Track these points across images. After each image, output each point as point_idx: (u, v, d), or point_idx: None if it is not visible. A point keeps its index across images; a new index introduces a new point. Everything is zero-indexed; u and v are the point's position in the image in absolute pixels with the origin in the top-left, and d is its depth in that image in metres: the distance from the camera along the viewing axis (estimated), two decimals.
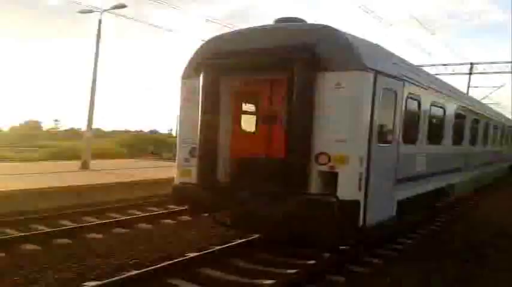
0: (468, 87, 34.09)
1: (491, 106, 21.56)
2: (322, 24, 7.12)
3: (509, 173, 23.29)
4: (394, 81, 7.27)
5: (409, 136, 8.25)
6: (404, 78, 7.75)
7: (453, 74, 34.14)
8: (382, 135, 7.02)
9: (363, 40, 7.28)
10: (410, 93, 8.02)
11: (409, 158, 8.36)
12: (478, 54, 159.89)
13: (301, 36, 6.90)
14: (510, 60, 33.55)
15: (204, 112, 7.29)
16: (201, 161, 7.35)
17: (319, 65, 6.48)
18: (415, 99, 8.44)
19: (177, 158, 8.02)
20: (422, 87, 8.73)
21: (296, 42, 6.75)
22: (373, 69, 6.60)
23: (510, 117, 25.74)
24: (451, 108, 11.10)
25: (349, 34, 6.98)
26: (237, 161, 7.66)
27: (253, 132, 8.17)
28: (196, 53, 7.87)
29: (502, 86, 36.69)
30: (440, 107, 10.15)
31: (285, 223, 6.80)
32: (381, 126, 6.99)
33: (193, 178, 7.47)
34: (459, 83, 61.31)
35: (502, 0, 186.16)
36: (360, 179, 6.40)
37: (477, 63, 34.02)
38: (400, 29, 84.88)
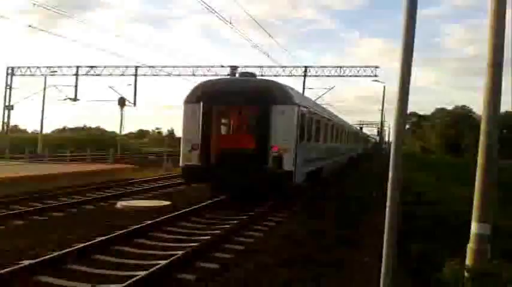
0: (303, 88, 36.96)
1: (325, 106, 27.52)
2: (272, 80, 14.65)
3: (351, 163, 32.48)
4: (303, 109, 13.19)
5: (308, 137, 14.13)
6: (308, 107, 14.25)
7: (290, 76, 37.26)
8: (300, 137, 12.72)
9: (292, 89, 13.53)
10: (310, 114, 14.31)
11: (309, 149, 14.26)
12: (310, 59, 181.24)
13: (262, 85, 13.34)
14: (338, 65, 38.19)
15: (203, 124, 12.42)
16: (201, 152, 12.30)
17: (273, 101, 12.11)
18: (311, 117, 14.58)
19: (181, 150, 12.81)
20: (314, 111, 15.38)
21: (260, 89, 12.63)
22: (297, 104, 12.50)
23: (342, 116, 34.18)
24: (323, 119, 17.51)
25: (287, 85, 13.28)
26: (221, 151, 12.90)
27: (230, 135, 14.41)
28: (197, 89, 12.97)
29: (332, 87, 41.27)
30: (318, 120, 16.36)
31: (250, 186, 12.19)
32: (300, 132, 12.69)
33: (193, 162, 12.40)
34: (295, 84, 72.99)
35: (330, 11, 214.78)
36: (293, 160, 12.01)
37: (310, 67, 37.31)
38: (241, 28, 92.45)
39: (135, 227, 9.02)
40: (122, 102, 39.32)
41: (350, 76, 36.29)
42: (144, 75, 40.39)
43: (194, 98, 12.64)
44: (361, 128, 75.69)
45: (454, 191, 17.63)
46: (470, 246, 6.72)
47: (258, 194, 12.86)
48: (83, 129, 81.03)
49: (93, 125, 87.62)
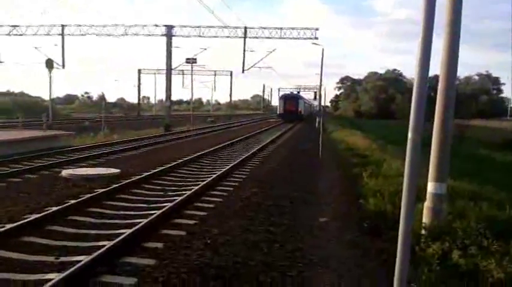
0: (244, 50, 36.87)
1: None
2: (298, 93, 72.28)
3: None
4: (305, 101, 66.56)
5: (305, 107, 64.61)
6: (304, 100, 66.72)
7: (229, 37, 36.28)
8: (304, 107, 64.19)
9: (303, 97, 69.64)
10: (304, 102, 64.34)
11: (305, 110, 66.89)
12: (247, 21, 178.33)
13: (295, 95, 68.63)
14: (279, 26, 37.04)
15: (283, 105, 60.59)
16: (283, 111, 59.16)
17: (298, 98, 64.68)
18: (304, 102, 65.54)
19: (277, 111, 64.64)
20: (304, 101, 66.89)
21: (295, 95, 66.82)
22: (303, 100, 66.44)
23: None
24: (306, 103, 68.32)
25: (301, 95, 71.05)
26: (285, 110, 58.86)
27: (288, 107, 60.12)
28: (281, 95, 67.22)
29: (273, 50, 41.01)
30: (305, 103, 66.10)
31: (293, 118, 55.52)
32: (305, 107, 64.59)
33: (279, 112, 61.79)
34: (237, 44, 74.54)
35: None
36: (303, 112, 63.03)
37: (251, 28, 36.40)
38: None
39: (88, 195, 8.64)
40: (49, 64, 36.76)
41: (291, 38, 35.93)
42: (71, 35, 38.16)
43: (279, 98, 65.40)
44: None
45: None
46: (427, 205, 7.07)
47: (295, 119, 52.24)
48: (7, 94, 75.83)
49: (17, 90, 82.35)
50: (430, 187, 7.06)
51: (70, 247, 5.99)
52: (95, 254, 5.39)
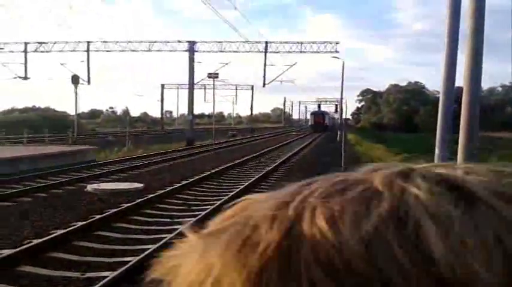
0: (265, 64, 37.18)
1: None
2: (325, 110, 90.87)
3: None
4: (330, 116, 78.44)
5: (329, 120, 78.99)
6: (330, 116, 79.87)
7: (250, 51, 36.48)
8: (329, 121, 76.97)
9: (328, 113, 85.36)
10: (330, 117, 79.55)
11: (332, 123, 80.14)
12: (267, 35, 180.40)
13: (322, 111, 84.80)
14: (299, 40, 38.65)
15: (313, 119, 77.07)
16: (313, 123, 74.68)
17: (325, 114, 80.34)
18: (329, 117, 79.24)
19: (309, 124, 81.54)
20: (330, 116, 79.05)
21: (322, 112, 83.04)
22: (329, 115, 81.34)
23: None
24: (331, 117, 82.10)
25: (328, 111, 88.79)
26: (315, 122, 73.42)
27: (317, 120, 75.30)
28: (312, 112, 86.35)
29: (294, 64, 40.74)
30: (330, 117, 78.91)
31: (321, 130, 66.44)
32: (332, 121, 78.40)
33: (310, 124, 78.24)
34: (257, 59, 79.04)
35: None
36: (329, 125, 75.81)
37: (271, 42, 36.64)
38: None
39: (114, 210, 8.73)
40: (75, 80, 37.69)
41: (311, 52, 35.96)
42: (97, 51, 38.98)
43: (311, 113, 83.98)
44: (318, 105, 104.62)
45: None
46: None
47: (323, 131, 60.34)
48: (33, 109, 77.65)
49: (43, 105, 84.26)
50: None
51: (95, 263, 6.04)
52: (120, 270, 5.43)
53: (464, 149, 6.93)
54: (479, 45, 6.91)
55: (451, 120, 6.80)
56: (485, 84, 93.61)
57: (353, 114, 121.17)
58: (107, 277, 5.26)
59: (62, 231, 7.15)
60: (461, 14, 6.98)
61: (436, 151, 3.02)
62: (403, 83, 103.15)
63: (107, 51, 38.90)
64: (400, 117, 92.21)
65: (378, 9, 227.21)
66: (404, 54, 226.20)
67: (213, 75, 28.85)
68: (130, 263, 5.65)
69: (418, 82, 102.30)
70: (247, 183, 12.67)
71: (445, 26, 6.71)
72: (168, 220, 8.58)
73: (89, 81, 40.16)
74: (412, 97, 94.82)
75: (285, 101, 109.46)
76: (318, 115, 76.59)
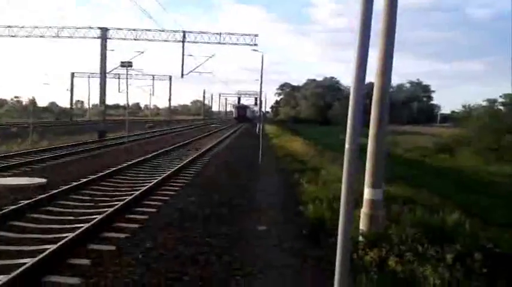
0: (183, 55, 36.45)
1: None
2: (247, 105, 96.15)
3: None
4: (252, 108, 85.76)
5: (249, 112, 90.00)
6: (251, 109, 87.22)
7: (167, 41, 35.39)
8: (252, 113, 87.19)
9: (249, 106, 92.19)
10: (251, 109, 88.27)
11: (253, 114, 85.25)
12: (187, 25, 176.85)
13: (245, 106, 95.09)
14: (218, 31, 36.62)
15: (236, 111, 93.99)
16: (236, 115, 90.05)
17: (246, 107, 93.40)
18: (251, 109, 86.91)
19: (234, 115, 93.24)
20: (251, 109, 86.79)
21: (244, 106, 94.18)
22: (250, 108, 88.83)
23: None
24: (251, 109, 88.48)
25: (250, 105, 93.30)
26: (239, 115, 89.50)
27: (239, 113, 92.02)
28: (235, 106, 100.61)
29: (213, 55, 41.96)
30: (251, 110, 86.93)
31: (244, 121, 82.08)
32: (253, 113, 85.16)
33: (234, 116, 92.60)
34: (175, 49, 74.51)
35: None
36: (251, 116, 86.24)
37: (189, 32, 35.69)
38: None
39: (11, 208, 7.94)
40: None
41: (230, 44, 35.68)
42: (1, 36, 35.99)
43: (234, 107, 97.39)
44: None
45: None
46: (364, 211, 7.07)
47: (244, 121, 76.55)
48: None
49: None
50: (366, 193, 7.07)
51: None
52: (14, 274, 4.86)
53: (373, 143, 7.11)
54: (390, 42, 7.11)
55: (362, 113, 6.94)
56: (394, 81, 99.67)
57: (272, 107, 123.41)
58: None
59: None
60: (374, 10, 7.16)
61: (346, 145, 2.91)
62: (320, 78, 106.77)
63: (12, 36, 35.98)
64: (316, 111, 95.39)
65: (297, 5, 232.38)
66: (321, 50, 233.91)
67: (126, 64, 27.65)
68: (26, 266, 5.09)
69: (333, 78, 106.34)
70: (161, 177, 12.21)
71: (357, 22, 6.80)
72: (71, 217, 7.95)
73: None
74: (328, 92, 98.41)
75: (204, 93, 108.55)
76: (241, 109, 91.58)
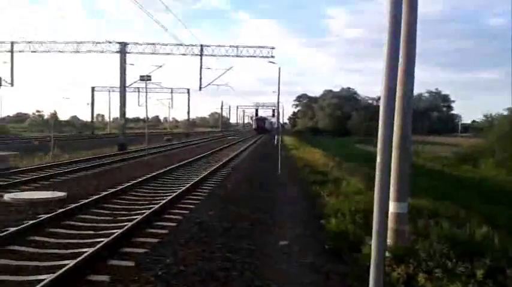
0: (201, 67, 36.82)
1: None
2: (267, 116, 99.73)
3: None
4: (271, 120, 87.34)
5: (269, 124, 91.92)
6: (270, 121, 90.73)
7: (185, 54, 35.73)
8: (271, 125, 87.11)
9: (267, 118, 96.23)
10: (269, 121, 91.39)
11: (271, 126, 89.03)
12: (204, 39, 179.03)
13: (264, 118, 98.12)
14: (235, 44, 37.54)
15: (256, 123, 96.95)
16: (256, 127, 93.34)
17: (265, 119, 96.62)
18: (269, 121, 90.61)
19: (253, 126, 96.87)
20: (269, 121, 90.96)
21: (265, 118, 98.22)
22: (269, 121, 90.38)
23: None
24: (270, 121, 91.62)
25: (269, 117, 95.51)
26: (258, 126, 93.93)
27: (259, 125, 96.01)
28: (255, 118, 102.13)
29: (230, 68, 42.68)
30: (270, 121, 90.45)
31: (264, 132, 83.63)
32: (271, 125, 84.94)
33: (253, 127, 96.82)
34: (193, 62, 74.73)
35: None
36: (270, 128, 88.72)
37: (207, 46, 35.98)
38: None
39: (31, 222, 7.92)
40: None
41: (247, 57, 35.81)
42: (22, 51, 36.73)
43: (254, 119, 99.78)
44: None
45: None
46: (389, 225, 6.85)
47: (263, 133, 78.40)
48: None
49: None
50: (391, 206, 6.86)
51: (4, 282, 5.32)
52: None
53: (397, 154, 6.91)
54: (412, 52, 6.95)
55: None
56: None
57: (290, 118, 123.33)
58: None
59: None
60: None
61: (378, 157, 2.75)
62: (337, 89, 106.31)
63: (33, 51, 36.73)
64: (334, 122, 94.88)
65: (312, 17, 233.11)
66: (337, 61, 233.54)
67: (146, 78, 27.89)
68: (44, 282, 5.01)
69: (350, 88, 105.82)
70: (180, 190, 12.13)
71: (386, 33, 6.65)
72: (91, 232, 7.90)
73: (12, 83, 37.76)
74: (345, 103, 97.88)
75: (222, 105, 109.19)
76: (260, 121, 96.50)
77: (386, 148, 2.70)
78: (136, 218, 8.47)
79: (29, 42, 36.23)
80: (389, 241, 6.72)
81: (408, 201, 7.06)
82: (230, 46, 35.89)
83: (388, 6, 2.92)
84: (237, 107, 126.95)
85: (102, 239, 6.94)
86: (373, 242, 3.03)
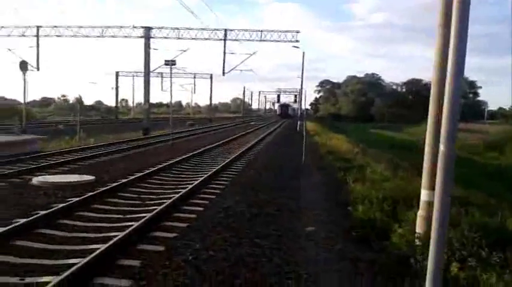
0: (224, 53, 36.41)
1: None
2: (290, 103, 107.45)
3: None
4: (293, 106, 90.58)
5: (292, 109, 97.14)
6: (293, 107, 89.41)
7: (208, 39, 35.55)
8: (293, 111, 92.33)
9: (290, 105, 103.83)
10: (292, 107, 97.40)
11: (294, 112, 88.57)
12: (227, 22, 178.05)
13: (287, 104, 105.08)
14: (259, 29, 40.57)
15: (280, 110, 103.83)
16: (280, 112, 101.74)
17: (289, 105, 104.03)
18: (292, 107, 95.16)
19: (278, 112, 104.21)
20: (292, 107, 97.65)
21: (288, 103, 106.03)
22: (292, 106, 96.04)
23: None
24: (293, 107, 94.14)
25: (292, 103, 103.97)
26: (282, 111, 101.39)
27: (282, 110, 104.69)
28: (280, 105, 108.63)
29: (254, 53, 41.34)
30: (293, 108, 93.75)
31: (287, 116, 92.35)
32: (295, 111, 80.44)
33: (278, 113, 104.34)
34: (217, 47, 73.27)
35: None
36: (293, 113, 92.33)
37: (231, 30, 35.63)
38: None
39: (60, 205, 8.05)
40: (23, 66, 35.76)
41: (272, 41, 35.33)
42: (47, 36, 37.13)
43: (279, 105, 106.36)
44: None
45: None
46: (421, 213, 6.72)
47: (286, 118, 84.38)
48: None
49: None
50: (424, 195, 6.73)
51: (36, 266, 5.41)
52: (65, 274, 4.85)
53: (433, 135, 6.71)
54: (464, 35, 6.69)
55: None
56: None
57: (311, 104, 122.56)
58: (49, 282, 4.68)
59: (1, 229, 6.43)
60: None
61: (441, 147, 2.66)
62: (360, 75, 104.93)
63: (58, 36, 37.11)
64: (357, 108, 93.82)
65: (334, 0, 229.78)
66: (361, 46, 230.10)
67: (170, 63, 27.92)
68: (77, 266, 5.07)
69: (374, 74, 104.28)
70: (206, 175, 12.16)
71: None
72: (120, 216, 7.98)
73: (38, 68, 38.29)
74: (369, 88, 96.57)
75: (244, 90, 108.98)
76: (284, 107, 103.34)
77: (451, 139, 2.60)
78: (165, 202, 8.52)
79: (55, 26, 36.58)
80: (419, 230, 6.61)
81: None
82: (255, 30, 35.53)
83: None
84: (259, 93, 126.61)
85: (131, 223, 7.00)
86: (433, 231, 2.95)
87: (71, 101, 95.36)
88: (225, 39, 35.85)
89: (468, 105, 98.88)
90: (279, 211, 8.95)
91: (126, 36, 35.34)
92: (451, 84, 2.58)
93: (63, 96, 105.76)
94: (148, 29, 34.30)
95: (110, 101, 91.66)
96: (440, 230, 2.77)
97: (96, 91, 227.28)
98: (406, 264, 5.87)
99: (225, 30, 35.93)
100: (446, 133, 2.55)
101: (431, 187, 6.64)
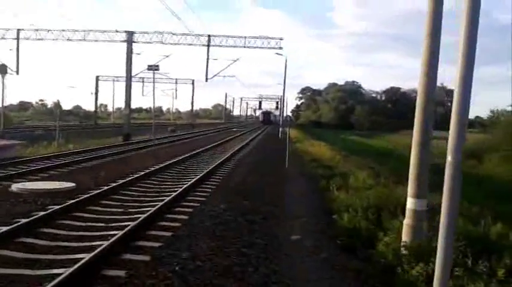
0: (207, 58, 36.18)
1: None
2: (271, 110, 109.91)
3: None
4: (275, 113, 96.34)
5: (273, 117, 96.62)
6: (274, 114, 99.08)
7: (191, 44, 35.29)
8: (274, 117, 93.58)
9: (272, 112, 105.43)
10: (274, 114, 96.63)
11: (274, 118, 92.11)
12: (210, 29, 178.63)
13: (269, 111, 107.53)
14: (243, 35, 36.13)
15: (263, 117, 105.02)
16: (262, 119, 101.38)
17: (270, 113, 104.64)
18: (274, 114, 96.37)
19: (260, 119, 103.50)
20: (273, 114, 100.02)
21: (269, 111, 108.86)
22: (273, 113, 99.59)
23: None
24: (274, 114, 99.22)
25: (274, 110, 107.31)
26: (264, 118, 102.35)
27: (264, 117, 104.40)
28: (262, 112, 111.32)
29: (237, 59, 41.02)
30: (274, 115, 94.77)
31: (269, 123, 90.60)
32: (276, 117, 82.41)
33: (260, 120, 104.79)
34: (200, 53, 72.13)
35: None
36: (274, 120, 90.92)
37: (214, 36, 35.40)
38: None
39: (41, 213, 7.85)
40: (3, 69, 35.03)
41: (255, 48, 35.29)
42: (27, 39, 36.44)
43: (261, 112, 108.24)
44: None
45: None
46: (406, 222, 6.76)
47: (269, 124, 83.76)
48: None
49: None
50: (409, 203, 6.77)
51: (15, 277, 5.24)
52: (49, 286, 4.70)
53: (416, 150, 6.78)
54: (436, 44, 6.77)
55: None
56: (415, 86, 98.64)
57: (293, 111, 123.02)
58: None
59: None
60: (419, 11, 6.85)
61: (448, 157, 2.66)
62: (341, 82, 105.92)
63: (39, 39, 36.45)
64: (338, 115, 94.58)
65: (317, 8, 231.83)
66: (342, 54, 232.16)
67: (154, 68, 27.67)
68: (60, 278, 4.92)
69: (354, 82, 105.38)
70: (190, 182, 12.04)
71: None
72: (102, 224, 7.82)
73: (17, 72, 37.58)
74: (349, 96, 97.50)
75: (226, 97, 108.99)
76: (266, 114, 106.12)
77: (458, 148, 2.60)
78: (149, 210, 8.38)
79: (36, 29, 35.96)
80: (405, 238, 6.64)
81: (426, 198, 6.94)
82: (238, 37, 35.40)
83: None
84: (241, 99, 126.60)
85: (115, 232, 6.85)
86: (440, 237, 2.95)
87: (49, 106, 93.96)
88: (208, 45, 35.71)
89: (446, 114, 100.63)
90: (263, 219, 8.90)
91: (108, 41, 34.91)
92: (459, 99, 2.59)
93: (41, 100, 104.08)
94: (131, 34, 33.98)
95: (89, 106, 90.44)
96: (449, 238, 2.78)
97: (75, 96, 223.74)
98: (393, 273, 5.88)
99: (209, 36, 35.79)
100: (454, 145, 2.54)
101: (416, 195, 6.70)
